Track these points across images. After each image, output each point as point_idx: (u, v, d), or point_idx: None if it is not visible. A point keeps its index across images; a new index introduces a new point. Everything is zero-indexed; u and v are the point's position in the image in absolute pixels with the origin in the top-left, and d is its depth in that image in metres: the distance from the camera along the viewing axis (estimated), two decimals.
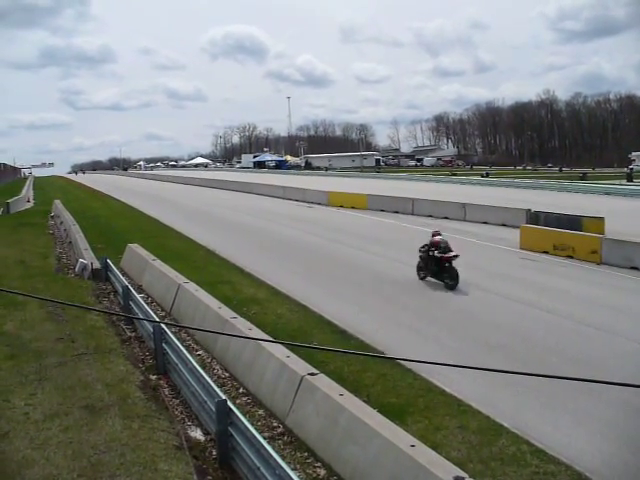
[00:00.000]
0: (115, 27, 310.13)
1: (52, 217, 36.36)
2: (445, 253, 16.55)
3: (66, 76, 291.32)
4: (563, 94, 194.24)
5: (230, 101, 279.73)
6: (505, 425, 8.50)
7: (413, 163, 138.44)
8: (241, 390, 10.10)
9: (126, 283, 15.19)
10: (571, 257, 20.91)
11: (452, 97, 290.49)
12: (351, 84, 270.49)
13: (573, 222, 24.11)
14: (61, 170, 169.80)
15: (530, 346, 11.97)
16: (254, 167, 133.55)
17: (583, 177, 71.95)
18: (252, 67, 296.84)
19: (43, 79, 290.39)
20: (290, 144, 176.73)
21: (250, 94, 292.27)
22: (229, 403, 7.72)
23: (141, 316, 12.83)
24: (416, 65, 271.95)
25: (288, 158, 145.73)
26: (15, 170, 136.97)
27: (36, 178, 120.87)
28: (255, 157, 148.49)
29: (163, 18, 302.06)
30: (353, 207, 38.88)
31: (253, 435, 6.99)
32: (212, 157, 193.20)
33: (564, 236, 21.89)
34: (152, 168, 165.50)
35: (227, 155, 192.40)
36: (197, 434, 8.64)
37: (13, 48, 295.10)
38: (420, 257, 17.36)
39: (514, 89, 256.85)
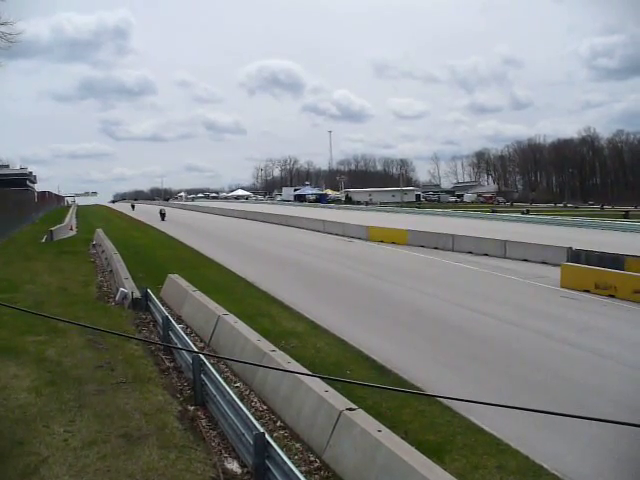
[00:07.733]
0: (154, 60, 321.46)
1: (94, 245, 36.92)
2: None
3: (106, 108, 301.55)
4: (602, 131, 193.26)
5: (268, 134, 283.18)
6: (545, 466, 8.31)
7: (453, 199, 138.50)
8: (279, 423, 10.05)
9: (166, 313, 15.26)
10: (613, 296, 20.48)
11: (490, 133, 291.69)
12: (388, 119, 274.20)
13: (615, 261, 23.66)
14: (103, 199, 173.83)
15: (571, 386, 11.75)
16: (295, 200, 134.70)
17: (626, 215, 71.02)
18: (289, 101, 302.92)
19: (84, 110, 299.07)
20: (331, 178, 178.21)
21: (288, 128, 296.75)
22: (267, 436, 7.70)
23: (180, 347, 12.90)
24: (452, 101, 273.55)
25: (329, 192, 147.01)
26: (59, 198, 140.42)
27: (79, 207, 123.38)
28: (296, 190, 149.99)
29: (201, 52, 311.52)
30: (393, 242, 38.78)
31: (290, 469, 6.95)
32: (253, 189, 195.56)
33: (606, 275, 21.47)
34: (193, 199, 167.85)
35: (268, 188, 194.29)
36: (234, 466, 8.60)
37: (56, 81, 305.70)
38: None
39: (551, 126, 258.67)
